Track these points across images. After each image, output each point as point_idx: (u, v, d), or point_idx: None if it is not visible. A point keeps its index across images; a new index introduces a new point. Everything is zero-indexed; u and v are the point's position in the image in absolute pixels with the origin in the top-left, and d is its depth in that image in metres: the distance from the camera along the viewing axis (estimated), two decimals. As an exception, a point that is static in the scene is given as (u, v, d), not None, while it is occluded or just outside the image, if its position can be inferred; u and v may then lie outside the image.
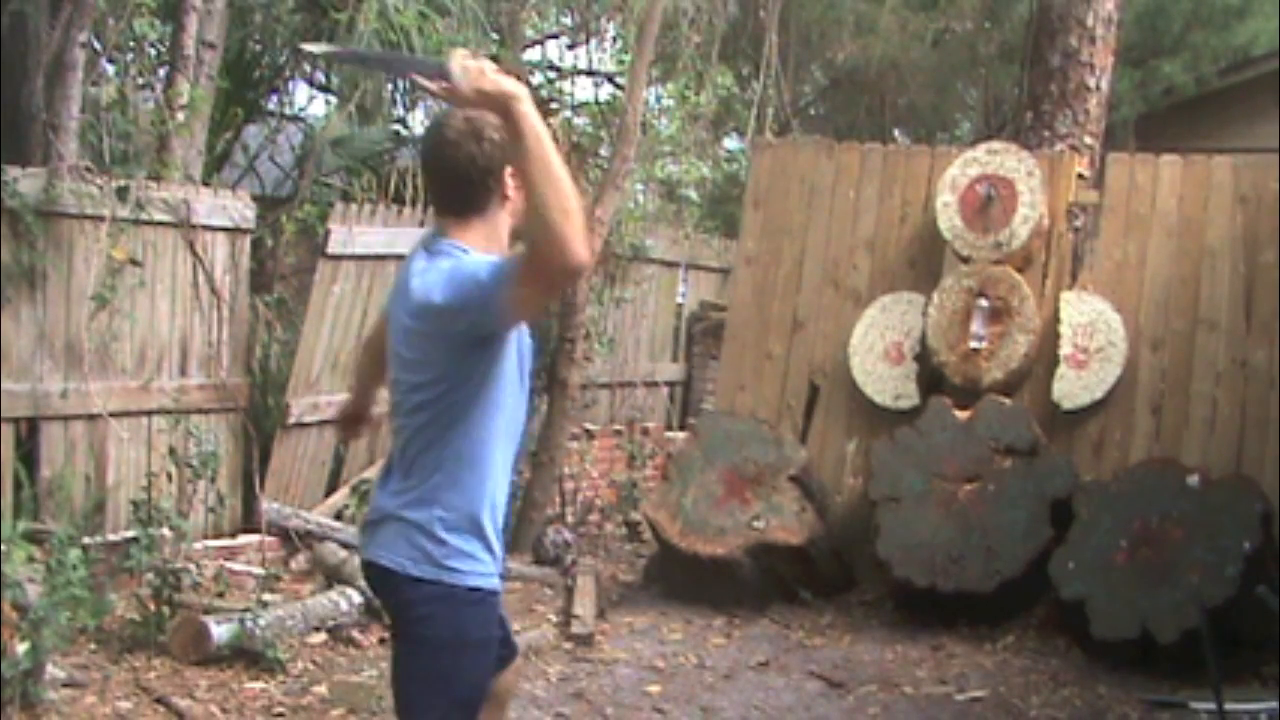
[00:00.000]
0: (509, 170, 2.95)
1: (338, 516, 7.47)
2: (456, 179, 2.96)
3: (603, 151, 11.00)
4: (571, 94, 12.15)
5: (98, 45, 7.24)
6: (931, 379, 7.40)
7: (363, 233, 7.58)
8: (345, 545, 6.93)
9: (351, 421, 3.60)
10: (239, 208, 7.20)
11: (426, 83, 2.72)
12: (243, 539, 6.96)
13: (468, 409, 2.90)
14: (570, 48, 12.99)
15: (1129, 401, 7.13)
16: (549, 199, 2.62)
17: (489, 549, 2.97)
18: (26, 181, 6.15)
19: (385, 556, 2.97)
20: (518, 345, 2.98)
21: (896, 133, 14.42)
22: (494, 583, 3.00)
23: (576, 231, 2.62)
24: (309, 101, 11.17)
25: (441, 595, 2.92)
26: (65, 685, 5.07)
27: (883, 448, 7.08)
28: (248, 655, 5.56)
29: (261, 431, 7.24)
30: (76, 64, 6.68)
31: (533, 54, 13.01)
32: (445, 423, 2.91)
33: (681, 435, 9.58)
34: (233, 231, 7.16)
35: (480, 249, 2.94)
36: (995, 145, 7.66)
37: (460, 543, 2.92)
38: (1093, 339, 7.12)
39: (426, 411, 2.91)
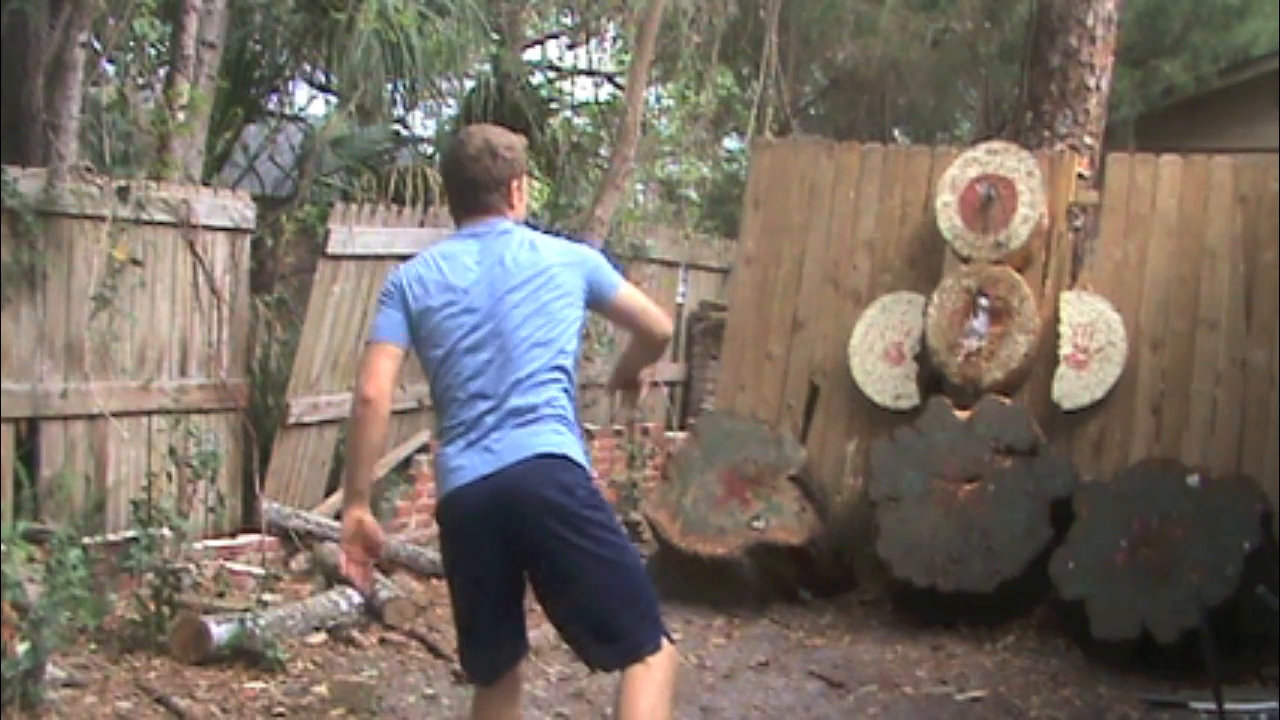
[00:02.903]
0: (515, 183, 3.63)
1: (337, 516, 7.44)
2: (477, 187, 3.60)
3: (603, 151, 11.01)
4: (571, 94, 12.17)
5: (98, 45, 7.24)
6: (931, 379, 7.40)
7: (363, 233, 7.58)
8: (345, 545, 6.92)
9: (366, 546, 3.66)
10: (239, 208, 7.20)
11: None
12: (243, 539, 6.95)
13: None
14: (570, 48, 13.01)
15: (1129, 401, 7.13)
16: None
17: None
18: (26, 181, 6.15)
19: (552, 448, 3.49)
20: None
21: (896, 133, 14.43)
22: None
23: None
24: (309, 101, 11.19)
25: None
26: (65, 685, 5.07)
27: (883, 448, 7.08)
28: (248, 655, 5.56)
29: (261, 431, 7.23)
30: (76, 64, 6.68)
31: (533, 54, 13.02)
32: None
33: (681, 435, 9.58)
34: (233, 231, 7.16)
35: None
36: (995, 145, 7.66)
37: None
38: (1093, 339, 7.11)
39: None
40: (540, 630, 6.31)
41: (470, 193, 3.61)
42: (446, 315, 3.50)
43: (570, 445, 3.51)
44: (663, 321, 3.84)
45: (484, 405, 3.46)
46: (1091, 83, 8.51)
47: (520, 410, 3.46)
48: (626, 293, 3.73)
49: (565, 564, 3.46)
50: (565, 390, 3.54)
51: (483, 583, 3.53)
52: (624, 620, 3.50)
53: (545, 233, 3.81)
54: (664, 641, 3.55)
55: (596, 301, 3.66)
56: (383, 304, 3.58)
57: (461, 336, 3.49)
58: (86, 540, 5.67)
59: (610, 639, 3.49)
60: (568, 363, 3.55)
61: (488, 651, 3.63)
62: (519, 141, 3.73)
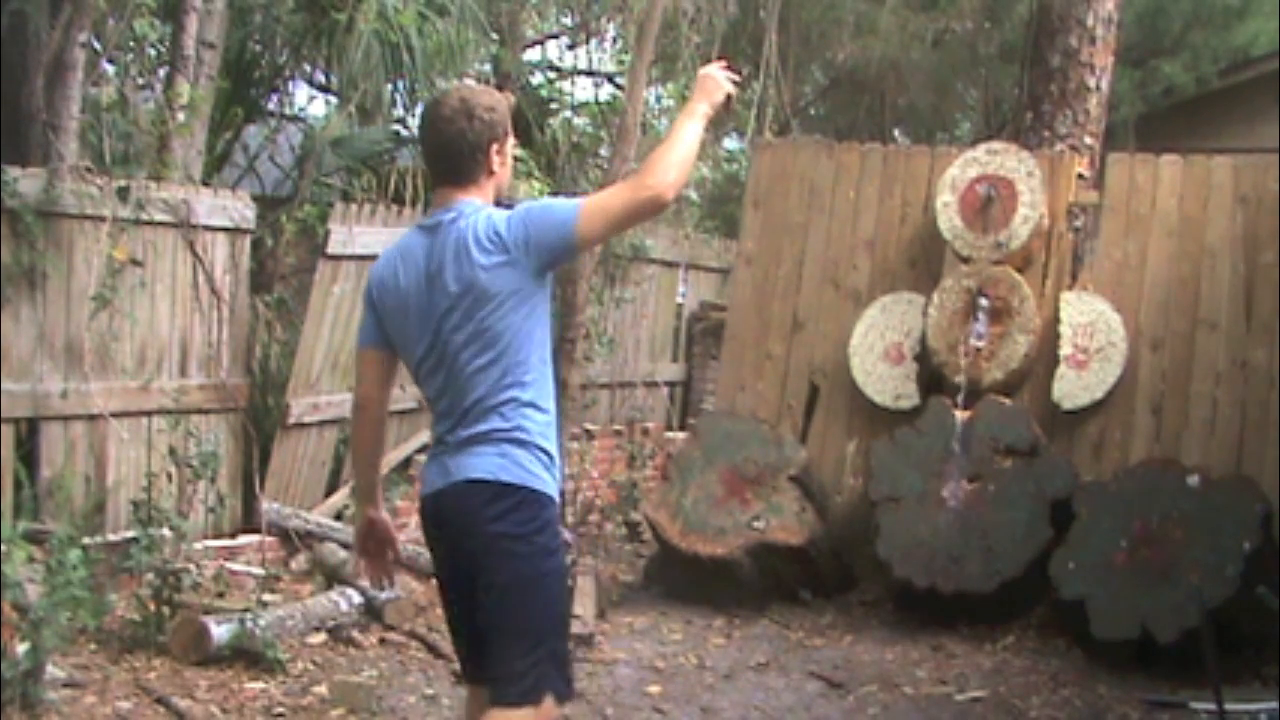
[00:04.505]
0: (495, 148, 3.34)
1: (338, 516, 7.48)
2: (450, 152, 3.32)
3: (603, 151, 11.01)
4: (571, 94, 12.17)
5: (98, 45, 7.24)
6: (931, 379, 7.40)
7: (363, 233, 7.58)
8: (345, 545, 6.93)
9: (379, 542, 3.61)
10: (239, 208, 7.20)
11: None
12: (243, 539, 6.96)
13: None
14: (570, 48, 13.01)
15: (1129, 401, 7.13)
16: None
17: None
18: (26, 181, 6.15)
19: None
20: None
21: (896, 133, 14.42)
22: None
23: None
24: (309, 101, 11.19)
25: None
26: (65, 685, 5.07)
27: (883, 448, 7.08)
28: (248, 655, 5.56)
29: (261, 431, 7.24)
30: (76, 64, 6.69)
31: (533, 54, 13.02)
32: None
33: (681, 435, 9.57)
34: (233, 231, 7.16)
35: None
36: (995, 145, 7.66)
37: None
38: (1093, 339, 7.12)
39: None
40: (540, 630, 6.32)
41: (443, 159, 3.34)
42: (405, 336, 3.37)
43: (511, 470, 3.26)
44: (645, 201, 3.23)
45: (447, 424, 3.35)
46: (1091, 83, 8.51)
47: (471, 436, 3.28)
48: (586, 222, 3.23)
49: (478, 589, 3.32)
50: (526, 404, 3.29)
51: (451, 582, 3.48)
52: (514, 665, 3.26)
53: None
54: (546, 699, 3.26)
55: (561, 261, 3.34)
56: (364, 304, 3.50)
57: (419, 359, 3.36)
58: (86, 540, 5.67)
59: (496, 679, 3.29)
60: (523, 375, 3.28)
61: (465, 650, 3.57)
62: (502, 102, 3.40)
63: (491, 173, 3.35)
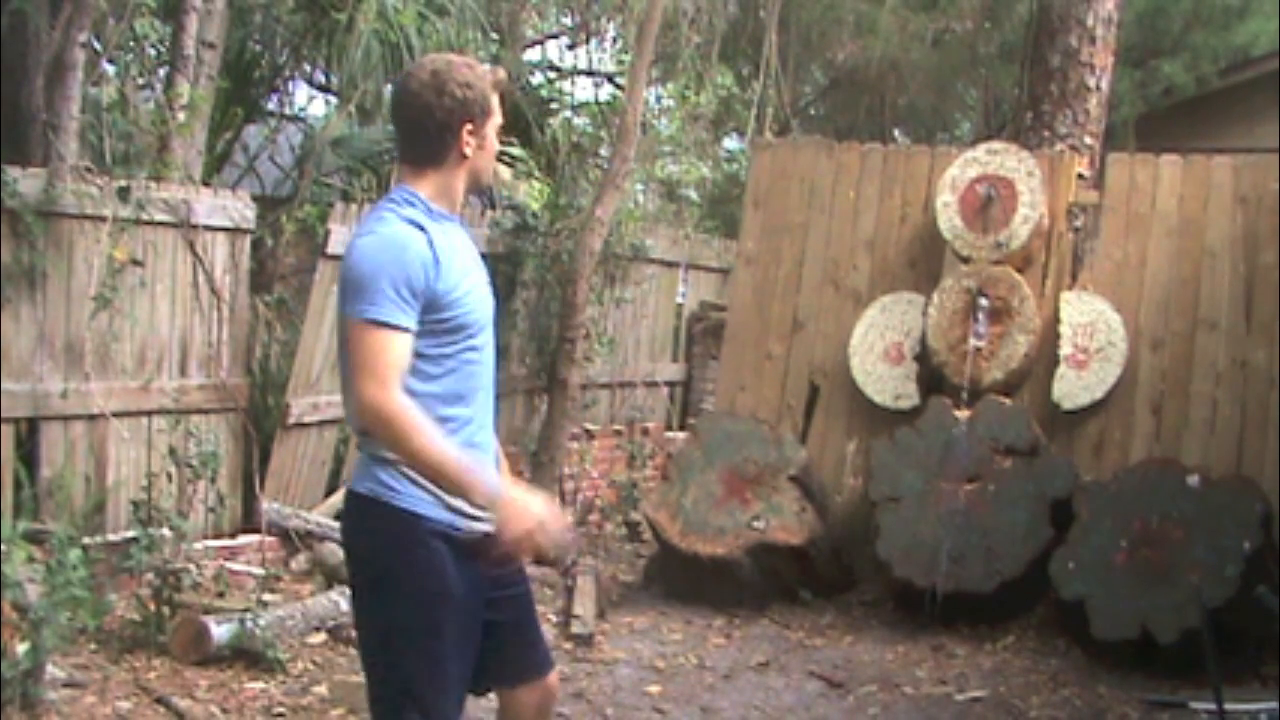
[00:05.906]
0: (468, 129, 2.99)
1: (337, 516, 7.46)
2: (414, 128, 3.00)
3: (603, 151, 11.00)
4: (571, 94, 12.17)
5: (98, 45, 7.23)
6: (931, 379, 7.40)
7: (362, 233, 7.58)
8: (345, 545, 6.92)
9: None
10: (239, 208, 7.20)
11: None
12: (243, 539, 6.96)
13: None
14: (570, 48, 13.00)
15: (1129, 401, 7.13)
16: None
17: None
18: (26, 181, 6.15)
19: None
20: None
21: (896, 133, 14.42)
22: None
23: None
24: (309, 101, 11.18)
25: None
26: (65, 685, 5.07)
27: (883, 448, 7.08)
28: (248, 655, 5.56)
29: (261, 431, 7.24)
30: (76, 64, 6.67)
31: (533, 54, 13.02)
32: None
33: (681, 435, 9.57)
34: (233, 231, 7.16)
35: (430, 198, 3.01)
36: (995, 145, 7.66)
37: None
38: (1093, 339, 7.12)
39: None
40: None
41: (405, 136, 3.04)
42: None
43: (365, 483, 2.99)
44: (364, 391, 2.86)
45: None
46: (1091, 83, 8.51)
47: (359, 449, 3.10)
48: (352, 329, 2.89)
49: None
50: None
51: None
52: (370, 701, 3.05)
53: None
54: None
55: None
56: None
57: None
58: (86, 540, 5.67)
59: None
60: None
61: None
62: (484, 78, 3.02)
63: (464, 157, 3.00)
